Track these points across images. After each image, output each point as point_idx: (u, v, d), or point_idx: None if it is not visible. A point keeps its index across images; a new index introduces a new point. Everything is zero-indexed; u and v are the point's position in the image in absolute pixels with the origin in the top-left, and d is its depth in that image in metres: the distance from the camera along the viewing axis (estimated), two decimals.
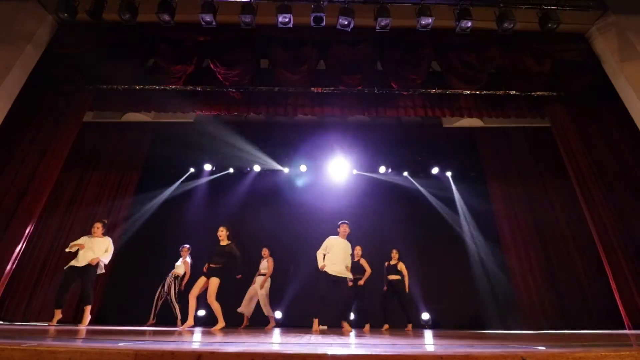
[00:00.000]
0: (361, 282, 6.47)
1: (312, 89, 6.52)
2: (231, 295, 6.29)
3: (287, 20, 5.58)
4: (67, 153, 6.02)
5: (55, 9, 5.58)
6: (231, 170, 9.01)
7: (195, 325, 5.25)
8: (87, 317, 5.30)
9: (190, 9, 5.63)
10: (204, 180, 8.94)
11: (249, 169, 9.02)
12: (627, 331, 4.98)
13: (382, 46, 6.19)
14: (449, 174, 8.86)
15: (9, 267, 5.13)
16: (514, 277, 7.13)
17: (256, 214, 8.48)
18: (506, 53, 6.19)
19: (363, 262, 6.64)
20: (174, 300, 6.60)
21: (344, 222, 5.42)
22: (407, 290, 6.55)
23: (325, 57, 6.31)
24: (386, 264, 6.80)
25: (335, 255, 5.08)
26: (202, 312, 7.14)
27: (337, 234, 5.34)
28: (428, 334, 4.55)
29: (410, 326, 6.37)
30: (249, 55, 6.18)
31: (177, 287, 6.69)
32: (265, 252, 7.03)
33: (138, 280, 7.20)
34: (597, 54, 6.08)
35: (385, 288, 6.70)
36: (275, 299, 7.07)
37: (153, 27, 5.77)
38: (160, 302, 6.69)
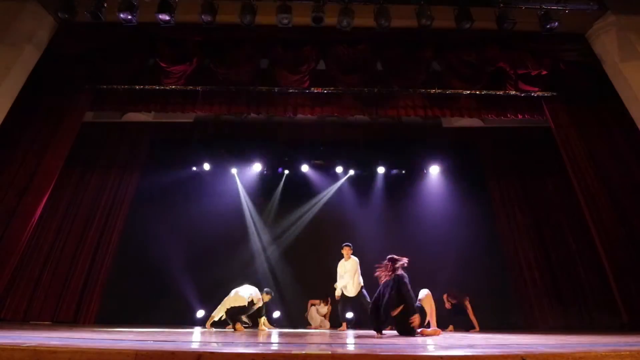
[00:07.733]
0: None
1: (312, 89, 6.51)
2: None
3: (287, 20, 5.57)
4: (67, 153, 6.01)
5: (55, 9, 5.55)
6: (232, 170, 8.97)
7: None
8: None
9: (190, 9, 5.62)
10: (204, 180, 8.90)
11: (249, 168, 8.98)
12: (626, 331, 4.97)
13: (382, 46, 6.17)
14: (448, 173, 8.83)
15: (9, 266, 5.13)
16: (514, 277, 7.12)
17: (255, 214, 8.49)
18: (506, 53, 6.18)
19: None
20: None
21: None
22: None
23: (325, 57, 6.31)
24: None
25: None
26: (201, 313, 7.13)
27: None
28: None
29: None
30: (248, 55, 6.17)
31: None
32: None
33: (138, 280, 7.18)
34: (597, 54, 6.06)
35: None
36: (274, 299, 7.04)
37: (153, 27, 5.75)
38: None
